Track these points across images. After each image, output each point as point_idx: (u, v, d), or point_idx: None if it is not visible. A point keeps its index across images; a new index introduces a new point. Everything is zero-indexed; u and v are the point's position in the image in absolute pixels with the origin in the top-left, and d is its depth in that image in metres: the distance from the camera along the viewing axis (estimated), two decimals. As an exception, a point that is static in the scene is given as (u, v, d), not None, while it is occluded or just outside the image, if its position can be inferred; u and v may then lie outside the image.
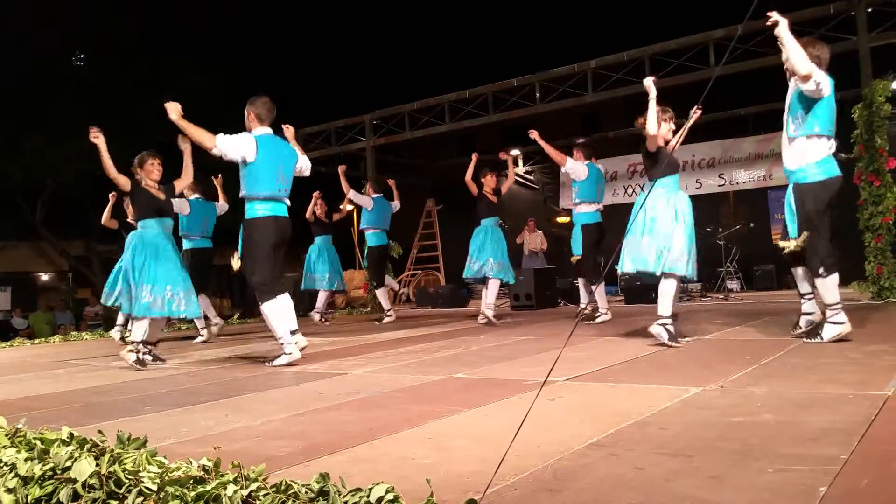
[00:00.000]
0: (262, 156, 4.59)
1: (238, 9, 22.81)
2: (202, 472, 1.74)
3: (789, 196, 4.23)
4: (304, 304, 11.01)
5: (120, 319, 7.56)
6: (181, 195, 6.57)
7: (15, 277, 18.47)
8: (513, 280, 7.88)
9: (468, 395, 3.17)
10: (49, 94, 16.51)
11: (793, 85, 4.13)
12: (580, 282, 7.00)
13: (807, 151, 4.07)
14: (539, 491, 1.75)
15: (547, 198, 15.26)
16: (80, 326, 15.11)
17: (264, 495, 1.61)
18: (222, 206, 7.71)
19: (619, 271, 4.93)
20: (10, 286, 17.13)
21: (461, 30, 24.65)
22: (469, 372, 3.92)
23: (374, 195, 8.66)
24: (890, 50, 7.97)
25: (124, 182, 5.32)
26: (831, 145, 4.10)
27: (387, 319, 8.51)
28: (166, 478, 1.70)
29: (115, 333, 7.63)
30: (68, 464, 1.81)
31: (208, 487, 1.64)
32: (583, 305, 7.00)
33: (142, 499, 1.65)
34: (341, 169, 8.63)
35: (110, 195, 7.23)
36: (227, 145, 4.54)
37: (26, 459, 1.90)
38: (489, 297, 7.46)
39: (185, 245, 7.46)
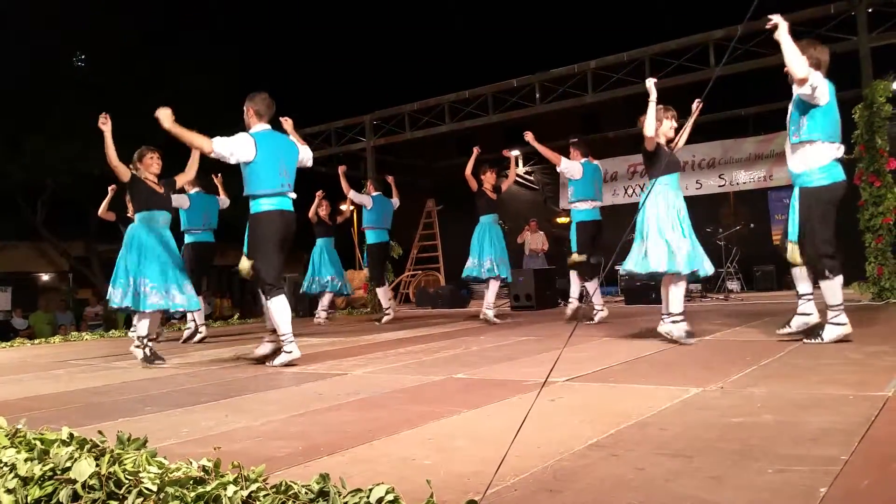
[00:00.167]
0: (262, 154, 4.58)
1: (238, 9, 22.86)
2: (202, 473, 1.74)
3: (793, 200, 4.21)
4: (303, 304, 11.03)
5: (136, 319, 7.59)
6: (181, 190, 6.57)
7: (15, 278, 18.47)
8: (510, 277, 7.83)
9: (468, 396, 3.17)
10: (49, 94, 16.51)
11: (795, 90, 4.13)
12: (572, 276, 7.00)
13: (811, 156, 4.07)
14: (539, 491, 1.75)
15: (547, 198, 15.27)
16: (80, 327, 15.12)
17: (264, 496, 1.61)
18: (223, 200, 7.74)
19: (620, 271, 4.93)
20: (10, 286, 17.13)
21: (461, 30, 24.69)
22: (469, 372, 3.92)
23: (374, 193, 8.67)
24: (890, 50, 7.97)
25: (123, 171, 5.34)
26: (838, 150, 4.09)
27: (386, 319, 8.52)
28: (166, 478, 1.69)
29: (133, 334, 7.65)
30: (68, 464, 1.81)
31: (208, 488, 1.64)
32: (572, 299, 6.97)
33: (142, 499, 1.65)
34: (341, 169, 8.64)
35: (110, 187, 7.25)
36: (224, 149, 4.53)
37: (26, 460, 1.90)
38: (489, 297, 7.47)
39: (187, 239, 7.49)
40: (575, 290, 6.95)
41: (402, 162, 14.39)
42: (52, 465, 1.83)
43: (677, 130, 4.89)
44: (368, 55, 25.18)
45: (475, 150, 7.55)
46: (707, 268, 4.69)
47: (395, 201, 8.80)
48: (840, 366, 3.37)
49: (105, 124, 5.09)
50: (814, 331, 4.23)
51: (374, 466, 2.06)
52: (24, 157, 16.30)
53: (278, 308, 4.64)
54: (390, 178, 8.88)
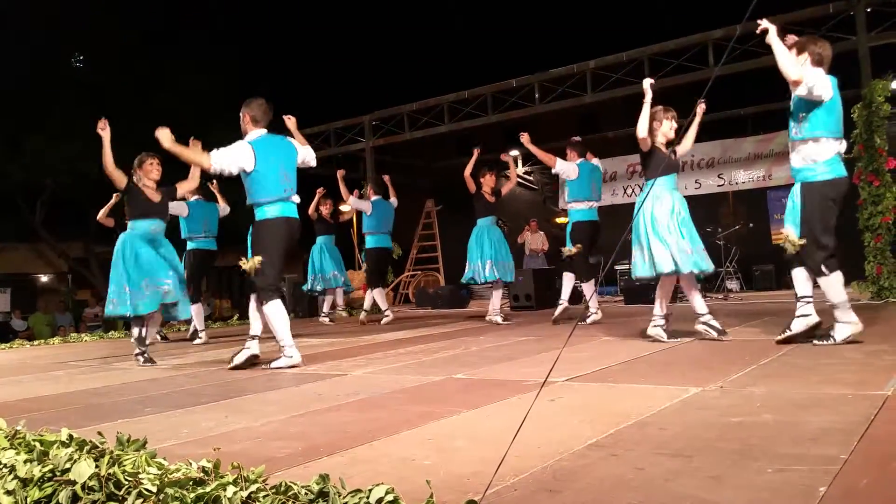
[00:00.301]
0: (261, 161, 4.55)
1: (238, 9, 22.84)
2: (202, 474, 1.74)
3: (794, 194, 4.19)
4: (302, 306, 11.03)
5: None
6: (182, 198, 6.57)
7: (14, 279, 18.45)
8: (511, 279, 7.82)
9: (468, 396, 3.17)
10: (49, 94, 16.49)
11: (793, 90, 4.14)
12: (565, 276, 6.98)
13: (812, 152, 4.05)
14: (539, 491, 1.75)
15: (546, 198, 15.29)
16: (79, 328, 15.12)
17: (264, 496, 1.61)
18: (223, 207, 7.76)
19: (633, 278, 4.95)
20: (9, 287, 17.12)
21: (461, 30, 24.69)
22: (469, 373, 3.92)
23: (374, 198, 8.66)
24: (889, 49, 7.98)
25: (119, 178, 5.35)
26: (840, 146, 4.08)
27: (385, 320, 8.52)
28: (166, 479, 1.69)
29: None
30: (68, 465, 1.81)
31: (208, 489, 1.64)
32: (562, 301, 6.94)
33: (141, 500, 1.65)
34: (340, 174, 8.61)
35: (114, 195, 7.25)
36: (222, 162, 4.52)
37: (25, 461, 1.89)
38: (495, 303, 7.46)
39: (189, 246, 7.52)
40: (566, 291, 6.93)
41: (401, 162, 14.39)
42: (51, 467, 1.83)
43: (678, 131, 4.89)
44: (367, 55, 25.19)
45: (476, 151, 7.53)
46: (708, 266, 4.70)
47: (394, 201, 8.80)
48: (839, 365, 3.37)
49: (104, 130, 5.09)
50: (824, 332, 4.15)
51: (373, 467, 2.06)
52: (24, 157, 16.29)
53: (275, 313, 4.59)
54: (387, 178, 8.88)
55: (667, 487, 1.72)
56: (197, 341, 7.27)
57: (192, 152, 4.63)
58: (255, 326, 4.76)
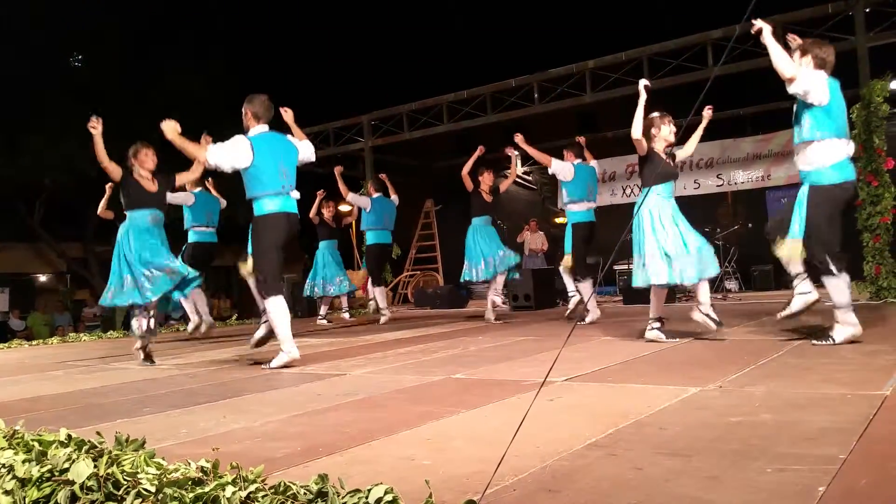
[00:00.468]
0: (259, 156, 4.56)
1: (238, 9, 22.82)
2: (200, 474, 1.74)
3: (801, 196, 4.16)
4: (302, 306, 11.03)
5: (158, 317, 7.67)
6: (182, 188, 6.58)
7: (13, 279, 18.45)
8: (513, 264, 7.70)
9: (467, 396, 3.17)
10: (47, 93, 16.49)
11: (789, 88, 4.13)
12: (564, 275, 7.00)
13: (818, 154, 4.03)
14: (538, 491, 1.75)
15: (545, 198, 15.27)
16: (78, 328, 15.11)
17: (263, 496, 1.61)
18: (220, 200, 7.81)
19: (635, 284, 4.96)
20: (7, 287, 17.12)
21: (460, 30, 24.68)
22: (468, 372, 3.92)
23: (375, 195, 8.67)
24: (888, 50, 7.98)
25: (114, 170, 5.37)
26: (848, 147, 4.07)
27: (383, 319, 8.52)
28: (165, 479, 1.69)
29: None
30: (66, 465, 1.81)
31: (207, 489, 1.63)
32: (572, 293, 6.97)
33: (140, 500, 1.65)
34: (337, 170, 8.61)
35: (107, 186, 7.27)
36: (219, 157, 4.54)
37: (24, 461, 1.89)
38: (498, 287, 7.46)
39: (191, 237, 7.55)
40: (571, 283, 6.96)
41: (400, 162, 14.38)
42: (50, 467, 1.83)
43: (677, 133, 4.88)
44: (367, 55, 25.19)
45: (479, 150, 7.50)
46: (711, 270, 4.70)
47: (395, 199, 8.81)
48: (838, 365, 3.37)
49: (95, 128, 5.11)
50: (823, 332, 4.16)
51: (372, 467, 2.06)
52: (23, 157, 16.28)
53: (276, 309, 4.61)
54: (383, 176, 8.88)
55: (666, 487, 1.72)
56: (190, 325, 7.37)
57: (192, 146, 4.64)
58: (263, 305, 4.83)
